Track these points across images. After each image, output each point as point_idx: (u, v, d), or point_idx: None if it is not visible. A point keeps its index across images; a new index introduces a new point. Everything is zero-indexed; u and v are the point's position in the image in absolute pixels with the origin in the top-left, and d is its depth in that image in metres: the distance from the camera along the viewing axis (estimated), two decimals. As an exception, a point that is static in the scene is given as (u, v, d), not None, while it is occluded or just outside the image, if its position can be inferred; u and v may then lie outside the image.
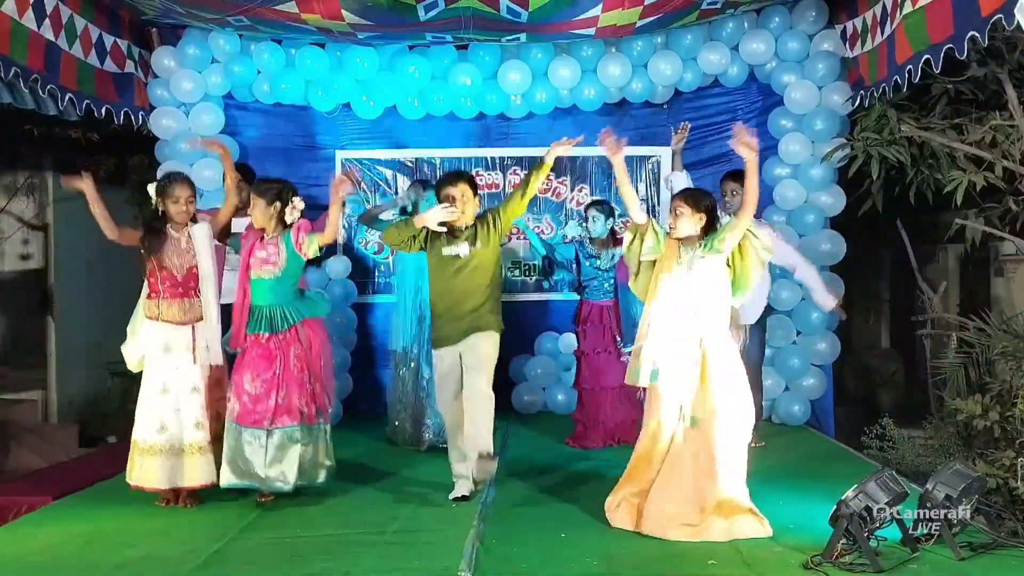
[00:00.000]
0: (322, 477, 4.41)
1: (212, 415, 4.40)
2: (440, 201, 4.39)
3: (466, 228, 4.40)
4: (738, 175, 5.47)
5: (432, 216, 4.30)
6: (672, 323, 3.91)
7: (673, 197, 4.18)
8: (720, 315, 3.93)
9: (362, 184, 6.60)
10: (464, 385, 4.35)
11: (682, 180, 5.56)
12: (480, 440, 4.24)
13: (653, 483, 3.86)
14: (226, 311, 5.30)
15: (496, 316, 4.43)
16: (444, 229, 4.34)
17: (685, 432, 3.85)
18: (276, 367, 4.30)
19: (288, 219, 4.38)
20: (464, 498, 4.33)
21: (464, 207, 4.36)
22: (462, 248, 4.37)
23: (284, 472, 4.27)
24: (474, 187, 4.45)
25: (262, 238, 4.40)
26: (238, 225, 4.72)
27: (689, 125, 5.77)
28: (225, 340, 4.52)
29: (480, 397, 4.30)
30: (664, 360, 3.89)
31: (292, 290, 4.43)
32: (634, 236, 4.04)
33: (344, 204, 4.41)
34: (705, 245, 3.94)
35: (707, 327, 3.88)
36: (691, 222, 3.95)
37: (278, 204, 4.37)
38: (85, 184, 4.30)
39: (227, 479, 4.28)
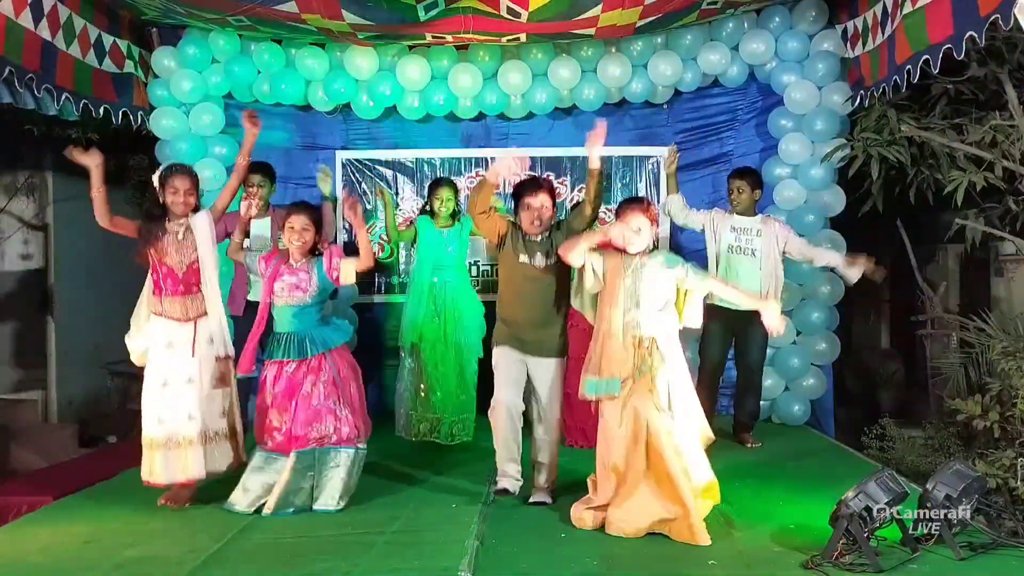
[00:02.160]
0: (345, 501, 4.29)
1: (223, 410, 4.35)
2: (518, 210, 4.33)
3: (541, 238, 4.33)
4: (744, 173, 5.52)
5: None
6: (623, 331, 3.92)
7: (625, 208, 4.07)
8: (669, 319, 3.97)
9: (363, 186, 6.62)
10: (539, 410, 4.37)
11: (678, 202, 5.55)
12: (554, 464, 4.41)
13: (616, 493, 3.87)
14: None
15: (565, 339, 4.39)
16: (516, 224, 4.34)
17: (641, 435, 3.84)
18: (304, 390, 4.20)
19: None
20: (507, 492, 4.34)
21: (542, 218, 4.28)
22: (537, 259, 4.30)
23: (329, 494, 4.18)
24: (553, 198, 4.37)
25: (287, 262, 4.31)
26: (257, 226, 4.66)
27: (677, 148, 5.81)
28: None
29: (556, 425, 4.41)
30: (613, 369, 3.92)
31: (318, 316, 4.33)
32: (578, 280, 4.13)
33: (366, 219, 4.21)
34: (658, 258, 3.98)
35: (658, 330, 3.91)
36: (650, 234, 4.00)
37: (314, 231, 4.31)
38: (92, 159, 4.18)
39: (274, 506, 4.13)
